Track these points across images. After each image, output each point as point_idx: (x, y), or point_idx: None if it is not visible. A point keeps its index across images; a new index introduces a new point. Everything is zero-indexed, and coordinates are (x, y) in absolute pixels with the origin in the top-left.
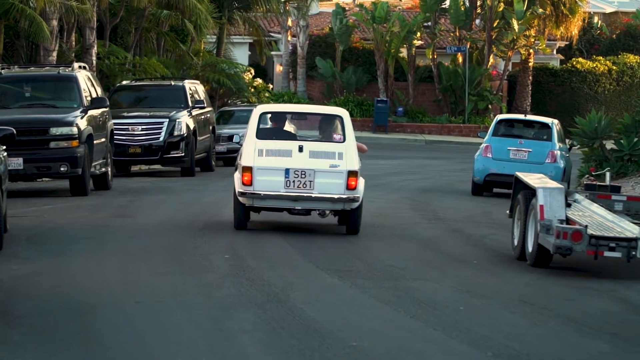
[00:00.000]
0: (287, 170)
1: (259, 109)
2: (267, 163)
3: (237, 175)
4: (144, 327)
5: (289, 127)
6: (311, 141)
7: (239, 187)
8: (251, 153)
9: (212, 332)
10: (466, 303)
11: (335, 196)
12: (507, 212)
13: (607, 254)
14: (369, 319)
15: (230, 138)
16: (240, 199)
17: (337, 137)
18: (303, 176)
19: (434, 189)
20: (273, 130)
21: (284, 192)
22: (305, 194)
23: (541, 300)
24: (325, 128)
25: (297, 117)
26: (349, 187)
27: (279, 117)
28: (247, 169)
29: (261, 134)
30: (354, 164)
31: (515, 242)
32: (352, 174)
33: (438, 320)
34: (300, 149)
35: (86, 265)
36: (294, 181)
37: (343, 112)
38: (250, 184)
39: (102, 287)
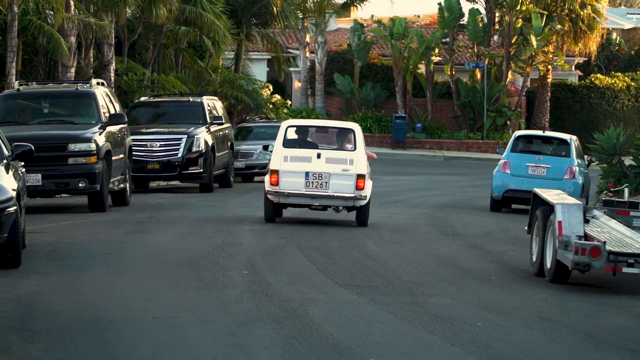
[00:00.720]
0: (307, 173)
1: (286, 123)
2: (290, 167)
3: (266, 177)
4: (161, 343)
5: (310, 138)
6: (328, 150)
7: (267, 187)
8: (278, 159)
9: (230, 348)
10: (484, 319)
11: (347, 195)
12: (526, 228)
13: (625, 270)
14: (387, 334)
15: (249, 154)
16: (269, 196)
17: (349, 146)
18: (320, 178)
19: (453, 205)
20: (297, 140)
21: (305, 191)
22: (322, 193)
23: (559, 317)
24: (340, 139)
25: (317, 130)
26: (357, 188)
27: (301, 130)
28: (274, 172)
29: (287, 144)
30: (363, 168)
31: (534, 258)
32: (360, 176)
33: (456, 336)
34: (318, 156)
35: (104, 281)
36: (312, 182)
37: (355, 127)
38: (277, 184)
39: (119, 302)
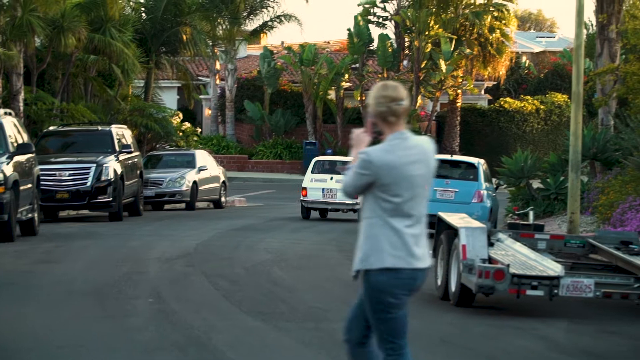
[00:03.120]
0: (323, 189)
1: (316, 158)
2: (314, 185)
3: (302, 191)
4: None
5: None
6: (338, 174)
7: (301, 198)
8: (307, 180)
9: None
10: None
11: (348, 202)
12: (430, 252)
13: (529, 292)
14: None
15: (158, 183)
16: (302, 203)
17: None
18: (331, 192)
19: None
20: (320, 168)
21: (322, 200)
22: (332, 202)
23: (462, 340)
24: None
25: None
26: (355, 198)
27: (323, 162)
28: (304, 188)
29: (313, 171)
30: None
31: (439, 282)
32: None
33: None
34: (331, 178)
35: (9, 311)
36: (327, 195)
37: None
38: (306, 196)
39: (25, 332)
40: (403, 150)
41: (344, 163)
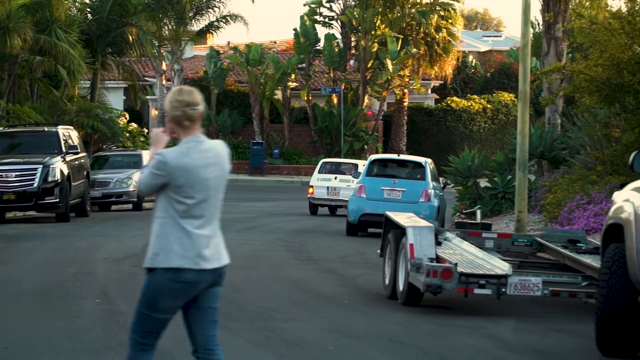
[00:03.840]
0: (328, 187)
1: (323, 160)
2: (320, 183)
3: (309, 189)
4: None
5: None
6: (342, 174)
7: (308, 195)
8: (314, 179)
9: None
10: (336, 343)
11: (347, 198)
12: (378, 251)
13: (477, 291)
14: None
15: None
16: (310, 200)
17: (354, 172)
18: (335, 190)
19: (309, 230)
20: (326, 169)
21: (327, 197)
22: (336, 199)
23: (411, 339)
24: (349, 169)
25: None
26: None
27: (330, 164)
28: (311, 186)
29: (320, 171)
30: None
31: (387, 281)
32: None
33: None
34: (335, 178)
35: None
36: (331, 192)
37: (359, 162)
38: (313, 193)
39: None
40: (198, 154)
41: (348, 165)
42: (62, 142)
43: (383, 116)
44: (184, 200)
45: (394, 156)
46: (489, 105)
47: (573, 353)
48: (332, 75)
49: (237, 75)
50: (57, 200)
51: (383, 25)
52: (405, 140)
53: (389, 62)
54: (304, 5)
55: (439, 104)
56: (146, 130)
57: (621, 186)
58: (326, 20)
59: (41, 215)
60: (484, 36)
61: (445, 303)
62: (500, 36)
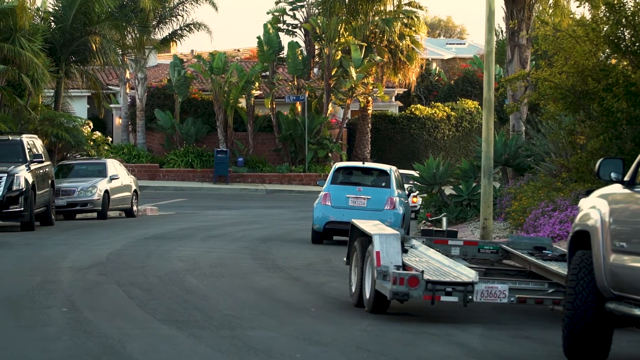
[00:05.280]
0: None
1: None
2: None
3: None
4: None
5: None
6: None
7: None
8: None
9: None
10: (303, 350)
11: None
12: (345, 259)
13: (444, 298)
14: None
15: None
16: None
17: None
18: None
19: (275, 238)
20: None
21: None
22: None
23: (378, 346)
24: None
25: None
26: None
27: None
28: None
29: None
30: None
31: (353, 289)
32: None
33: None
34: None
35: None
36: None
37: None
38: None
39: None
40: None
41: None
42: (27, 150)
43: (347, 124)
44: None
45: (359, 164)
46: (453, 113)
47: None
48: (296, 83)
49: (201, 84)
50: (22, 209)
51: (347, 33)
52: (370, 148)
53: (352, 70)
54: (268, 13)
55: (403, 112)
56: (110, 139)
57: (587, 193)
58: (290, 28)
59: (6, 224)
60: (447, 44)
61: (412, 311)
62: (464, 44)
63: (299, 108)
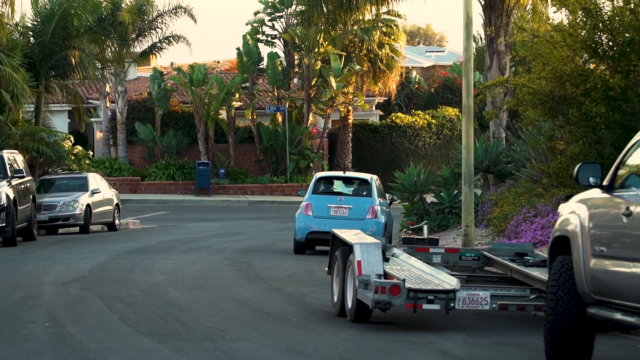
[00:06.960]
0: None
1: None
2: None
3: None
4: None
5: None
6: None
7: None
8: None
9: None
10: None
11: None
12: (326, 269)
13: (425, 306)
14: None
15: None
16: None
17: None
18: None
19: (257, 249)
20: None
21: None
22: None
23: (361, 356)
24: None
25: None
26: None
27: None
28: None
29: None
30: None
31: (335, 299)
32: None
33: None
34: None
35: None
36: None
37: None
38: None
39: None
40: None
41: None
42: (8, 166)
43: (328, 134)
44: None
45: (340, 173)
46: (433, 121)
47: None
48: (276, 93)
49: (181, 96)
50: (4, 224)
51: (326, 43)
52: (351, 157)
53: (332, 80)
54: (247, 24)
55: (383, 120)
56: (91, 153)
57: (567, 198)
58: (269, 39)
59: None
60: (427, 51)
61: (394, 319)
62: (443, 51)
63: (280, 119)
